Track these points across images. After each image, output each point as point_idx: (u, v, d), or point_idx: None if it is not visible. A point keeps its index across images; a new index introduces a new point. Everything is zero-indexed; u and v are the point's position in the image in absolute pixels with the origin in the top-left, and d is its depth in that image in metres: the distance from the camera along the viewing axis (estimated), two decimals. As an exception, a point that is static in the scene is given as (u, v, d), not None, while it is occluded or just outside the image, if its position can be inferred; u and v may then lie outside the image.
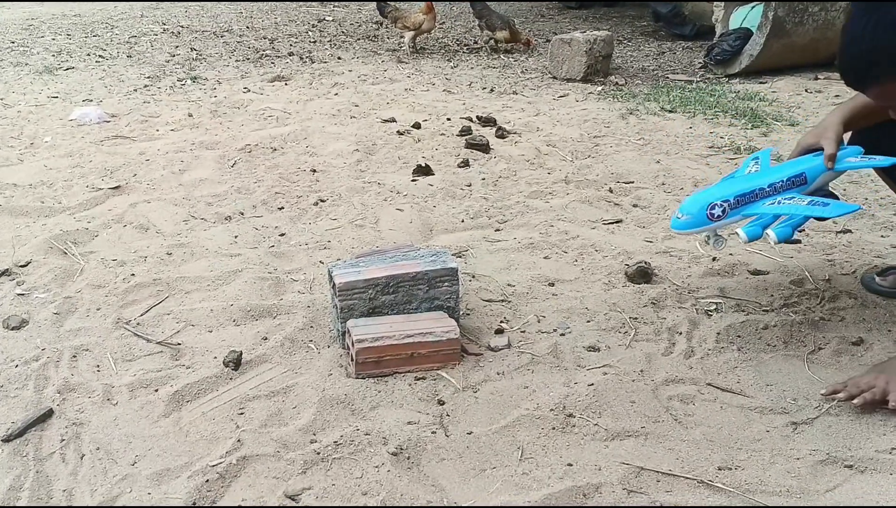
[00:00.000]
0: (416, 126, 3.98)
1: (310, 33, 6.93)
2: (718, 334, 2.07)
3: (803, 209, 1.89)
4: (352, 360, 1.91)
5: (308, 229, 2.81)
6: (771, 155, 2.25)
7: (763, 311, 2.18)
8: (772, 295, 2.27)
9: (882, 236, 2.66)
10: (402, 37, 6.22)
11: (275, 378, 1.90)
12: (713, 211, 1.96)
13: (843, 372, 1.92)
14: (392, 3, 6.34)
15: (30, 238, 2.68)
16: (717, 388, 1.86)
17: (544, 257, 2.56)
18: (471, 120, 4.10)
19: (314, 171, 3.37)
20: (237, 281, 2.37)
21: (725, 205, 1.96)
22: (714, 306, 2.22)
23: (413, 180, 3.27)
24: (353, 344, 1.89)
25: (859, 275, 2.37)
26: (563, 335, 2.09)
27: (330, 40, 6.62)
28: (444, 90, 4.88)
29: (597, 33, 5.27)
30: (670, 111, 4.35)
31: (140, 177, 3.29)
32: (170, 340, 2.07)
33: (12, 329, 2.12)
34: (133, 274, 2.43)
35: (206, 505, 1.51)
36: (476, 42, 6.55)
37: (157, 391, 1.86)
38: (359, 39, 6.68)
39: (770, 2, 4.94)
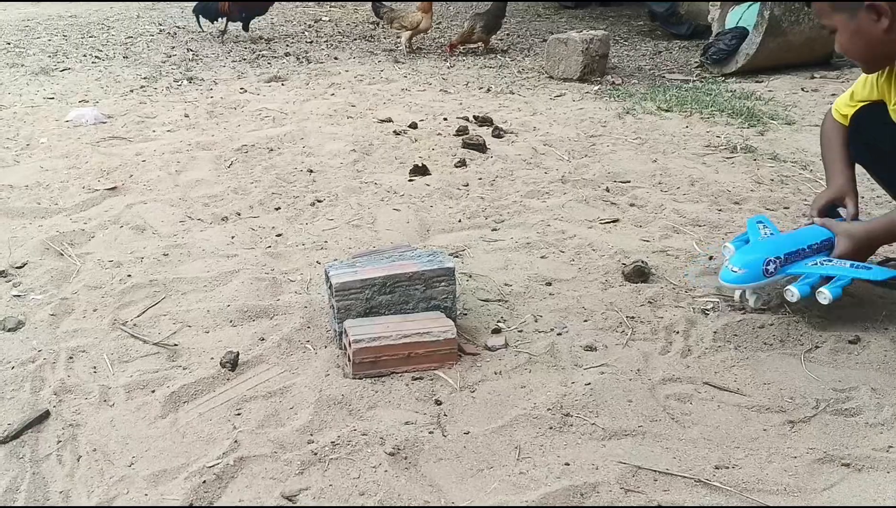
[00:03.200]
0: (413, 126, 3.98)
1: (306, 33, 6.92)
2: (715, 332, 2.08)
3: (850, 271, 2.01)
4: (349, 360, 1.91)
5: (305, 230, 2.81)
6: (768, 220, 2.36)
7: (759, 310, 2.18)
8: (769, 294, 2.27)
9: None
10: (398, 37, 6.22)
11: (272, 379, 1.90)
12: (768, 267, 2.05)
13: (840, 371, 1.92)
14: (387, 4, 6.33)
15: (26, 239, 2.67)
16: (715, 387, 1.86)
17: (541, 257, 2.56)
18: (467, 120, 4.10)
19: (311, 171, 3.37)
20: (234, 282, 2.37)
21: (778, 262, 2.06)
22: (711, 306, 2.22)
23: (410, 180, 3.27)
24: (350, 344, 1.89)
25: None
26: (560, 334, 2.09)
27: (326, 40, 6.62)
28: (440, 90, 4.88)
29: (593, 33, 5.27)
30: (667, 111, 4.35)
31: (136, 178, 3.29)
32: (166, 341, 2.07)
33: (8, 331, 2.12)
34: (129, 275, 2.42)
35: (204, 506, 1.51)
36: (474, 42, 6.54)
37: (153, 392, 1.85)
38: (355, 40, 6.67)
39: (766, 1, 4.94)
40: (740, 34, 5.24)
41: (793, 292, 2.02)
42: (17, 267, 2.48)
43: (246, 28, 6.55)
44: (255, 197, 3.09)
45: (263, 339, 2.07)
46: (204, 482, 1.55)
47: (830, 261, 2.06)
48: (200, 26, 6.57)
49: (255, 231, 2.79)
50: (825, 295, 1.98)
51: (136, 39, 6.59)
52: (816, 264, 2.06)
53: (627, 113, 4.30)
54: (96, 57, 5.87)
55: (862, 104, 2.23)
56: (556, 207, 2.99)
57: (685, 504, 1.50)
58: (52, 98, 4.62)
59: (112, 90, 4.83)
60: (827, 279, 2.03)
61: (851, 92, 2.27)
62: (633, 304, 2.24)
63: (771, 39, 5.02)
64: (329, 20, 7.64)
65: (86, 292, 2.33)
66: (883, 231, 2.07)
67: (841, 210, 2.26)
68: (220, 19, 6.48)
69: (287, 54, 5.99)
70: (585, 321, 2.17)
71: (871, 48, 1.95)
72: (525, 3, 8.50)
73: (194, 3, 6.50)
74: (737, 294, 2.18)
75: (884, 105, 2.12)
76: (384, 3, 6.33)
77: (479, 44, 6.16)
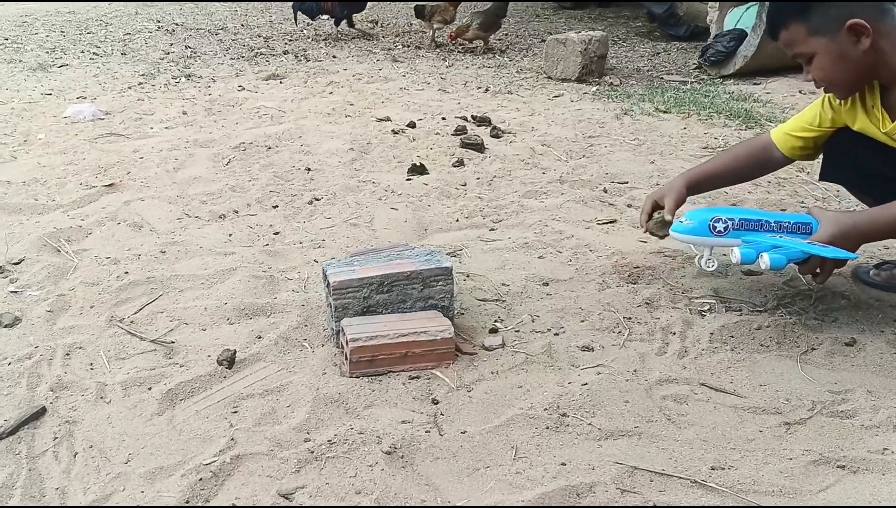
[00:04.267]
0: (411, 125, 3.98)
1: (304, 32, 6.92)
2: (712, 334, 2.08)
3: (802, 246, 1.93)
4: (346, 359, 1.91)
5: (302, 228, 2.81)
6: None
7: (756, 311, 2.19)
8: (765, 296, 2.28)
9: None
10: (432, 29, 6.32)
11: (269, 377, 1.90)
12: (716, 225, 2.01)
13: (836, 373, 1.92)
14: (430, 5, 6.31)
15: (23, 236, 2.67)
16: (711, 388, 1.87)
17: (539, 257, 2.57)
18: (466, 119, 4.10)
19: (309, 169, 3.37)
20: (231, 279, 2.37)
21: (730, 223, 2.01)
22: (707, 307, 2.22)
23: (408, 180, 3.27)
24: (347, 343, 1.89)
25: (852, 270, 2.38)
26: (557, 334, 2.10)
27: (325, 39, 6.62)
28: (438, 89, 4.88)
29: (592, 33, 5.27)
30: (665, 112, 4.36)
31: (134, 175, 3.28)
32: (163, 338, 2.07)
33: (5, 327, 2.11)
34: (127, 272, 2.42)
35: (200, 504, 1.51)
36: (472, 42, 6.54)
37: (150, 389, 1.85)
38: (354, 38, 6.67)
39: (765, 2, 4.95)
40: (738, 36, 5.25)
41: (735, 254, 1.96)
42: (13, 263, 2.47)
43: (351, 24, 6.64)
44: (252, 195, 3.09)
45: (260, 337, 2.07)
46: (200, 479, 1.55)
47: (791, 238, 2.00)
48: (296, 22, 6.71)
49: (252, 229, 2.79)
50: (765, 260, 1.91)
51: (134, 36, 6.59)
52: (776, 237, 1.99)
53: (625, 114, 4.31)
54: (94, 53, 5.86)
55: (824, 132, 2.20)
56: (554, 207, 2.99)
57: (681, 505, 1.50)
58: (50, 94, 4.62)
59: (110, 87, 4.82)
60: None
61: (801, 120, 2.25)
62: (629, 305, 2.25)
63: (769, 42, 5.01)
64: (328, 18, 7.64)
65: (83, 288, 2.33)
66: (867, 223, 1.98)
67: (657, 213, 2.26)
68: (320, 17, 6.60)
69: (285, 52, 5.98)
70: (582, 321, 2.17)
71: (855, 70, 1.93)
72: (524, 4, 8.50)
73: (191, 0, 6.52)
74: (696, 259, 2.16)
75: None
76: (428, 3, 6.34)
77: (479, 43, 6.17)
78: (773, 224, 2.03)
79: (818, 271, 1.98)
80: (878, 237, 2.08)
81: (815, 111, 2.21)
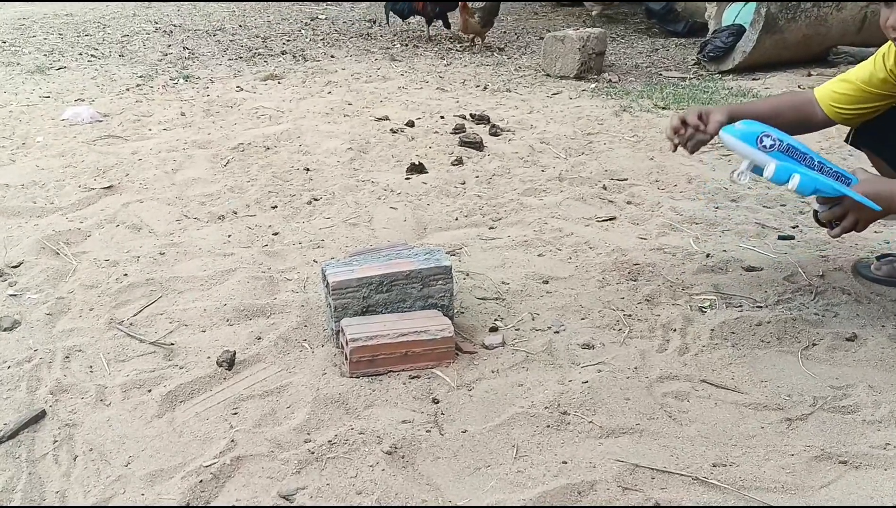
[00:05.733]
0: (410, 124, 3.97)
1: (303, 32, 6.92)
2: (712, 330, 2.08)
3: (836, 184, 1.88)
4: (346, 359, 1.90)
5: (301, 228, 2.81)
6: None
7: (757, 307, 2.18)
8: (766, 291, 2.27)
9: (875, 232, 2.67)
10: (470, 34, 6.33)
11: (269, 378, 1.90)
12: (764, 139, 1.93)
13: (838, 368, 1.92)
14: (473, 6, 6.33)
15: (22, 239, 2.67)
16: (712, 385, 1.86)
17: (538, 255, 2.56)
18: (464, 118, 4.10)
19: (307, 169, 3.36)
20: (230, 280, 2.37)
21: (777, 143, 1.93)
22: (708, 303, 2.22)
23: (407, 179, 3.26)
24: (346, 343, 1.89)
25: (853, 265, 2.38)
26: (557, 332, 2.09)
27: (323, 38, 6.61)
28: (437, 88, 4.88)
29: (590, 31, 5.27)
30: (664, 108, 4.35)
31: (132, 176, 3.28)
32: (163, 340, 2.07)
33: (4, 330, 2.11)
34: (126, 274, 2.42)
35: (200, 506, 1.50)
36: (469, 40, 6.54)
37: (150, 391, 1.85)
38: (352, 38, 6.66)
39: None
40: (737, 31, 5.25)
41: (769, 169, 1.91)
42: (12, 266, 2.47)
43: (447, 24, 6.56)
44: (251, 196, 3.09)
45: (260, 338, 2.07)
46: (201, 481, 1.55)
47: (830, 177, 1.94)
48: (388, 22, 6.76)
49: (251, 230, 2.78)
50: (795, 180, 1.87)
51: (131, 38, 6.58)
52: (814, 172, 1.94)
53: (624, 111, 4.30)
54: (92, 56, 5.86)
55: (870, 94, 2.09)
56: (553, 205, 2.99)
57: (682, 503, 1.50)
58: (48, 97, 4.61)
59: (108, 89, 4.82)
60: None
61: (850, 75, 2.12)
62: (630, 302, 2.24)
63: (767, 37, 5.02)
64: (325, 18, 7.63)
65: (82, 291, 2.32)
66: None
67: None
68: (412, 17, 6.57)
69: (283, 52, 5.98)
70: (583, 318, 2.16)
71: None
72: (522, 2, 8.49)
73: (189, 1, 6.52)
74: (731, 173, 2.05)
75: None
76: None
77: (477, 39, 6.18)
78: (815, 162, 1.96)
79: (837, 221, 1.91)
80: None
81: (867, 69, 2.08)
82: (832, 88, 2.16)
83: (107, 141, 3.76)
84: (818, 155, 1.98)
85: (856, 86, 2.11)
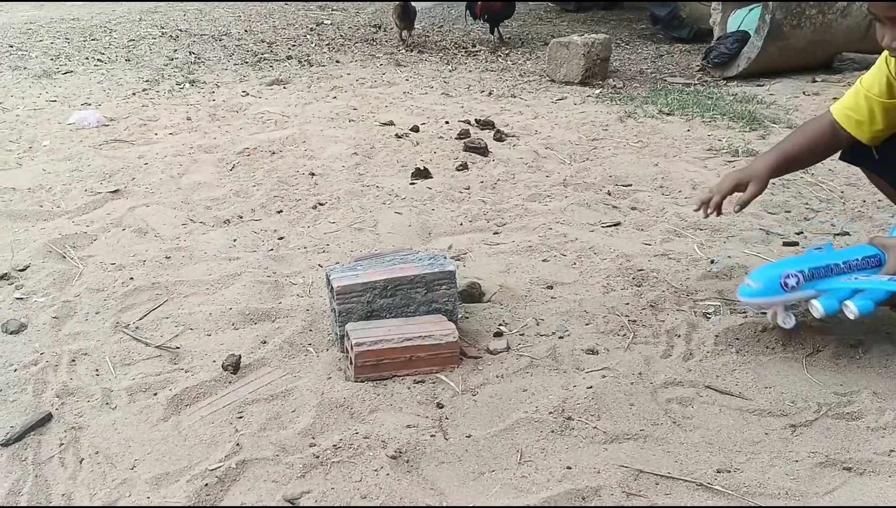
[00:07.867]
0: (415, 129, 3.98)
1: (308, 37, 6.93)
2: (717, 336, 2.08)
3: (885, 284, 1.85)
4: (350, 363, 1.91)
5: (307, 233, 2.82)
6: (833, 247, 2.18)
7: (761, 313, 2.18)
8: (770, 298, 2.27)
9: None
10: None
11: (274, 382, 1.90)
12: (787, 281, 1.90)
13: (842, 374, 1.92)
14: None
15: (28, 242, 2.68)
16: (716, 391, 1.86)
17: (543, 260, 2.57)
18: (469, 123, 4.10)
19: (313, 174, 3.37)
20: (236, 285, 2.37)
21: (800, 276, 1.90)
22: (712, 309, 2.22)
23: (411, 184, 3.27)
24: (351, 348, 1.89)
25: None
26: (561, 337, 2.09)
27: (328, 44, 6.63)
28: (442, 93, 4.89)
29: (595, 36, 5.27)
30: (668, 114, 4.35)
31: (138, 181, 3.29)
32: (169, 344, 2.07)
33: (11, 333, 2.12)
34: (132, 278, 2.43)
35: (205, 509, 1.51)
36: (474, 45, 6.56)
37: (155, 394, 1.86)
38: (357, 43, 6.68)
39: (768, 3, 4.94)
40: (742, 38, 5.24)
41: (816, 308, 1.89)
42: (19, 270, 2.48)
43: (492, 31, 6.67)
44: (256, 200, 3.10)
45: (265, 342, 2.07)
46: (206, 485, 1.55)
47: (868, 277, 1.91)
48: (466, 22, 7.07)
49: (256, 234, 2.79)
50: (851, 309, 1.85)
51: (138, 42, 6.61)
52: (850, 279, 1.91)
53: (629, 116, 4.31)
54: (98, 60, 5.88)
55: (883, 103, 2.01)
56: (558, 210, 2.99)
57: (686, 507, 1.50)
58: (55, 101, 4.63)
59: (114, 93, 4.84)
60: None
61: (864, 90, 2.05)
62: (634, 307, 2.24)
63: (772, 43, 5.02)
64: (331, 23, 7.66)
65: (88, 294, 2.33)
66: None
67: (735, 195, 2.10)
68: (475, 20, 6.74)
69: (289, 57, 6.00)
70: (587, 324, 2.17)
71: None
72: (527, 7, 8.50)
73: (195, 6, 6.58)
74: (770, 315, 2.04)
75: None
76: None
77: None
78: (842, 265, 1.94)
79: None
80: None
81: (872, 77, 2.02)
82: (844, 106, 2.09)
83: (113, 145, 3.78)
84: (837, 253, 1.97)
85: (867, 96, 2.04)
